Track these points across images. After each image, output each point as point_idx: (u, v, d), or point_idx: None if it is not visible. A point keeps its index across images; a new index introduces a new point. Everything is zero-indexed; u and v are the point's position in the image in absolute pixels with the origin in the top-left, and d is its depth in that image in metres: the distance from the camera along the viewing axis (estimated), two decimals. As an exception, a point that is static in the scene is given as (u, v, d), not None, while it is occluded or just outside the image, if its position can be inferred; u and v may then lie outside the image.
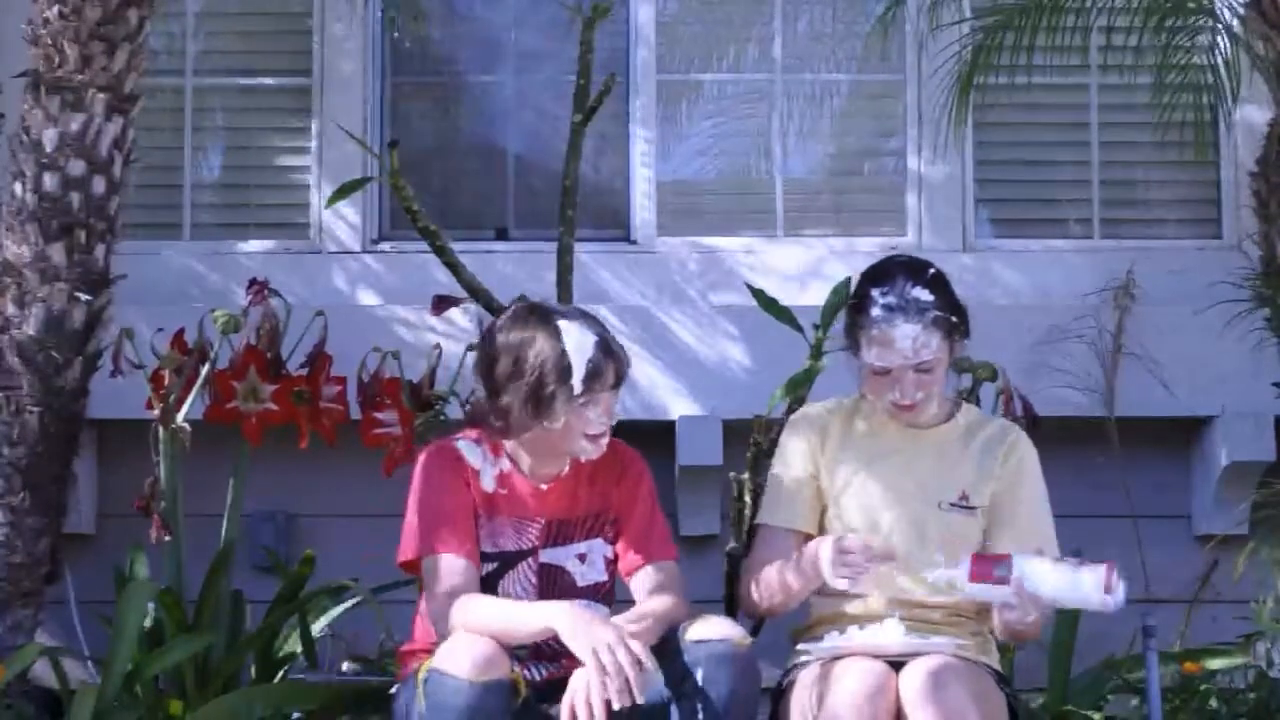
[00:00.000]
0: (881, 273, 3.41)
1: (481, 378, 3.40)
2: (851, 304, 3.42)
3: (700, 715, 3.13)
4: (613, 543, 3.45)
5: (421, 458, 3.46)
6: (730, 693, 3.14)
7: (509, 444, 3.43)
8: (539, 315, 3.39)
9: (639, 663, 3.07)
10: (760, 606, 3.45)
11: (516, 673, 3.17)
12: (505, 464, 3.43)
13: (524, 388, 3.30)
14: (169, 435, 4.47)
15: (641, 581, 3.41)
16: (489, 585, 3.38)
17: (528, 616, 3.21)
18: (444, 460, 3.42)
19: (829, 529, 3.44)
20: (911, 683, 3.13)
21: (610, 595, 3.46)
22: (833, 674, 3.17)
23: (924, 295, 3.34)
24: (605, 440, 3.38)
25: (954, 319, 3.37)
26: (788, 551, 3.41)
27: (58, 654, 4.34)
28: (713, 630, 3.20)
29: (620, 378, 3.37)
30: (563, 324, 3.34)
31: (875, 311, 3.33)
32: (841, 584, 3.22)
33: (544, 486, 3.42)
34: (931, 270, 3.40)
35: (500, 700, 3.12)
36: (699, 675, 3.14)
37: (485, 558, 3.39)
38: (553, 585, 3.40)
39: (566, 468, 3.44)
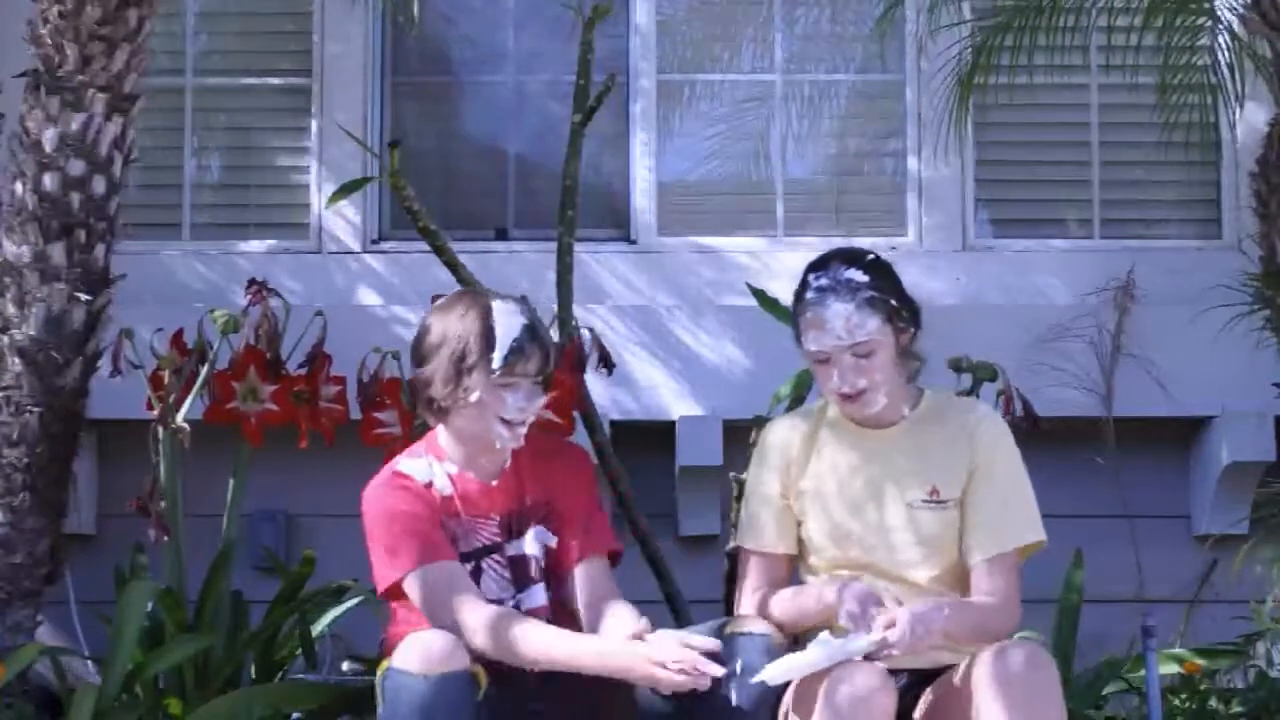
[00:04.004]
0: (819, 260, 3.37)
1: (413, 350, 3.44)
2: (794, 296, 3.37)
3: (735, 699, 3.14)
4: (555, 533, 3.45)
5: (365, 494, 3.45)
6: (765, 683, 3.15)
7: (447, 445, 3.45)
8: (473, 295, 3.47)
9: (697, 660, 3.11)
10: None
11: (478, 667, 3.16)
12: (451, 467, 3.45)
13: (446, 357, 3.34)
14: (169, 435, 4.47)
15: (584, 575, 3.40)
16: None
17: (599, 661, 3.20)
18: (388, 485, 3.43)
19: (806, 544, 3.42)
20: (987, 669, 3.08)
21: (551, 581, 3.44)
22: (833, 673, 3.16)
23: (858, 276, 3.28)
24: (523, 431, 3.39)
25: (893, 302, 3.29)
26: (774, 574, 3.43)
27: (58, 654, 4.34)
28: (753, 625, 3.25)
29: (545, 371, 3.39)
30: (495, 304, 3.39)
31: (809, 295, 3.30)
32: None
33: (492, 483, 3.44)
34: (871, 256, 3.35)
35: (458, 693, 3.11)
36: (738, 664, 3.16)
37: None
38: (523, 576, 3.42)
39: (508, 461, 3.44)
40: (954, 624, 3.19)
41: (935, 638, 3.15)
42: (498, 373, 3.32)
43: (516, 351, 3.33)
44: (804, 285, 3.34)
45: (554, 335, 4.25)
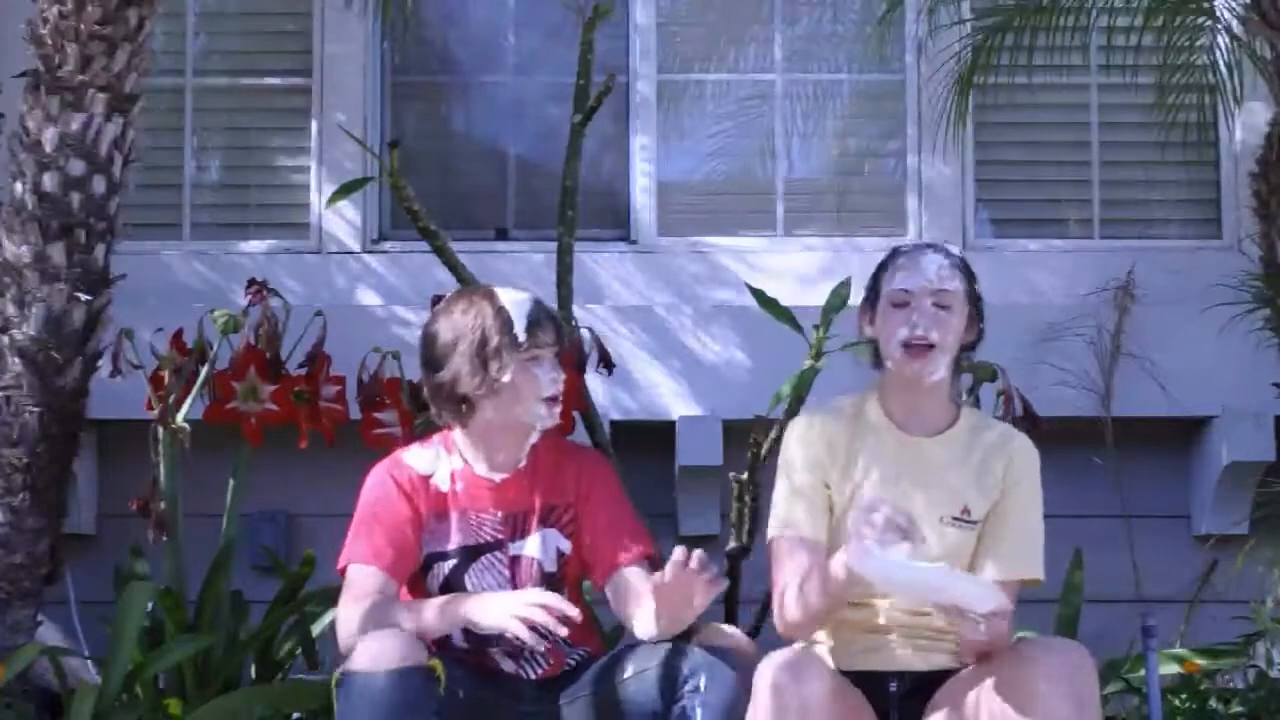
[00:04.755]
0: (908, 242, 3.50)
1: (425, 359, 3.46)
2: (877, 267, 3.43)
3: (699, 715, 3.13)
4: (570, 538, 3.44)
5: (370, 472, 3.50)
6: (731, 696, 3.13)
7: (460, 440, 3.46)
8: (472, 290, 3.53)
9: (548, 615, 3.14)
10: (800, 619, 3.26)
11: (435, 661, 3.16)
12: (458, 461, 3.45)
13: (467, 351, 3.37)
14: (169, 435, 4.48)
15: (620, 583, 3.38)
16: (455, 580, 3.40)
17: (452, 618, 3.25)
18: (384, 472, 3.47)
19: (832, 545, 3.33)
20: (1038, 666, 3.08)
21: (560, 587, 3.42)
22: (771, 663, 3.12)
23: (952, 249, 3.44)
24: (558, 408, 3.42)
25: (975, 286, 3.42)
26: (819, 558, 3.28)
27: (58, 654, 4.34)
28: (720, 637, 3.22)
29: (561, 343, 3.44)
30: (497, 290, 3.46)
31: (904, 249, 3.41)
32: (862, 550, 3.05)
33: (498, 478, 3.43)
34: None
35: (416, 687, 3.11)
36: (702, 678, 3.14)
37: (443, 556, 3.41)
38: (526, 576, 3.41)
39: (524, 460, 3.44)
40: (999, 628, 3.18)
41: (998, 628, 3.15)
42: (524, 346, 3.35)
43: (535, 322, 3.38)
44: (895, 251, 3.43)
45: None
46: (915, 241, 3.47)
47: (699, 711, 3.13)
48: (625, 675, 3.25)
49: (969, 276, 3.41)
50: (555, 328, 3.44)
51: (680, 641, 3.23)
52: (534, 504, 3.43)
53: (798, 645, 3.29)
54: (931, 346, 3.30)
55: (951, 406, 3.44)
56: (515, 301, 3.41)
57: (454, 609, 3.25)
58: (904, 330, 3.31)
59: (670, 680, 3.17)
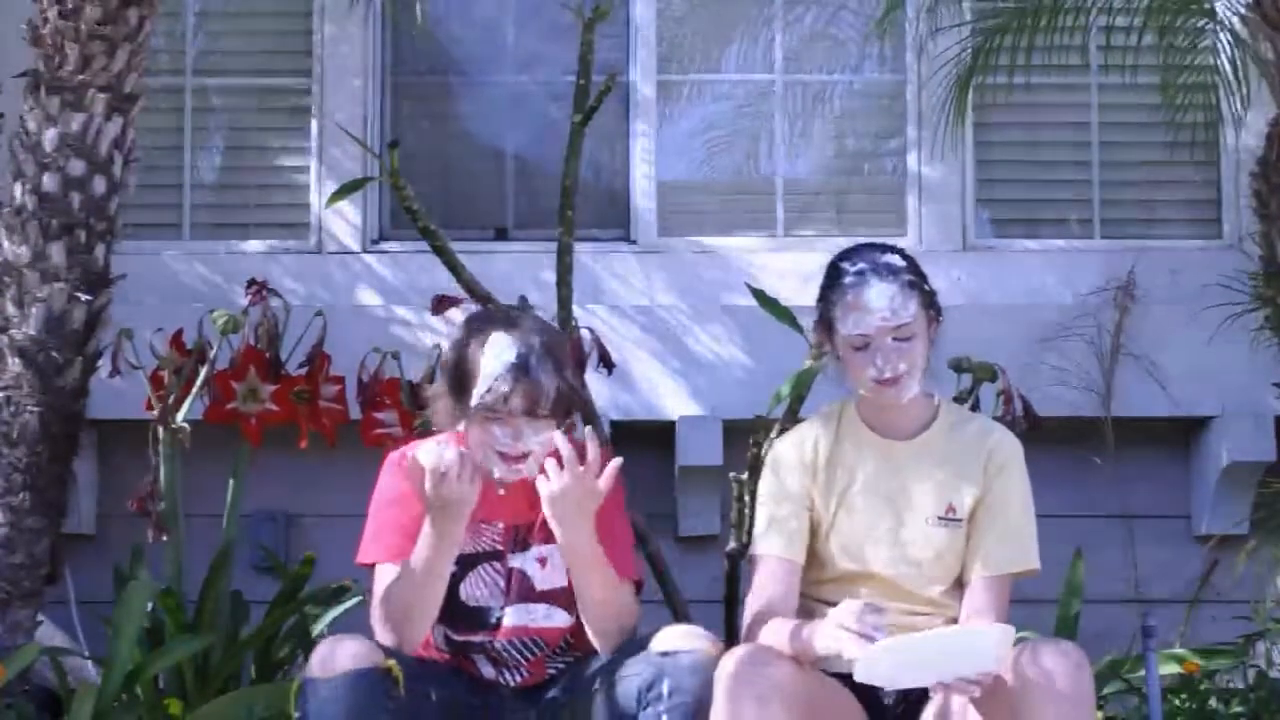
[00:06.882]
0: (849, 250, 3.36)
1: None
2: (822, 287, 3.35)
3: None
4: None
5: (385, 463, 3.47)
6: (697, 701, 3.11)
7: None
8: (483, 320, 3.39)
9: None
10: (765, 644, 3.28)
11: (391, 662, 3.16)
12: None
13: (444, 382, 3.35)
14: (169, 435, 4.48)
15: None
16: (451, 588, 3.35)
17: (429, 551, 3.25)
18: (397, 465, 3.42)
19: (819, 555, 3.36)
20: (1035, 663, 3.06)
21: (572, 599, 3.37)
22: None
23: (896, 260, 3.30)
24: (522, 467, 3.28)
25: (927, 288, 3.31)
26: (792, 585, 3.32)
27: (58, 654, 4.34)
28: (681, 640, 3.19)
29: (542, 406, 3.25)
30: (495, 335, 3.29)
31: (848, 279, 3.28)
32: (836, 648, 3.06)
33: (503, 490, 3.36)
34: (900, 247, 3.36)
35: (371, 690, 3.11)
36: (665, 685, 3.12)
37: None
38: (519, 589, 3.37)
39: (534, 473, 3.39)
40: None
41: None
42: (474, 410, 3.26)
43: (492, 391, 3.24)
44: (837, 273, 3.32)
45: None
46: (858, 265, 3.28)
47: (664, 718, 3.11)
48: (595, 685, 3.23)
49: (918, 282, 3.30)
50: (528, 393, 3.23)
51: (645, 648, 3.19)
52: (537, 518, 3.37)
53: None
54: (903, 375, 3.28)
55: (928, 403, 3.41)
56: (493, 359, 3.25)
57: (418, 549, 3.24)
58: (871, 370, 3.27)
59: (636, 688, 3.15)
